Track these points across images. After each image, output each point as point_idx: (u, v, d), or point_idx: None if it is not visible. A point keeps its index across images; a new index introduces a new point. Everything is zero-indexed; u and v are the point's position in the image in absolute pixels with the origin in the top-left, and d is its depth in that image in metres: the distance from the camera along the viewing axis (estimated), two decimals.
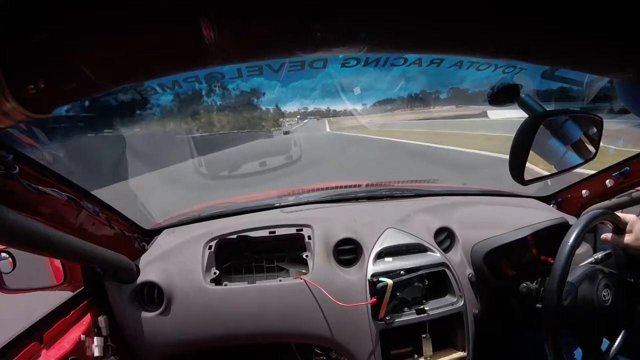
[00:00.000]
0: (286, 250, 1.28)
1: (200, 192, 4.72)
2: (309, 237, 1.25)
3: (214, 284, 1.17)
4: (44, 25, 0.27)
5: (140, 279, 1.15)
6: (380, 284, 1.12)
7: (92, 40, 0.29)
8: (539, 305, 1.14)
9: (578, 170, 0.80)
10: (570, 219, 1.41)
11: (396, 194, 1.61)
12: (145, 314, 1.14)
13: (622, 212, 1.16)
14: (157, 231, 1.36)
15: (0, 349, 0.82)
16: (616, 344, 1.08)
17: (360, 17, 0.29)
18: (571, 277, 1.05)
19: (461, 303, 1.19)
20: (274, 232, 1.26)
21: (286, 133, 13.46)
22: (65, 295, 1.08)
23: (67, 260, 1.06)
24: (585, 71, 0.39)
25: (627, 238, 1.07)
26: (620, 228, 1.08)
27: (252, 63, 1.27)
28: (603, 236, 1.13)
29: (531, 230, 1.31)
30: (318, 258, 1.21)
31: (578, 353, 1.18)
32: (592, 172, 1.45)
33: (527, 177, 0.67)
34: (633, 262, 1.11)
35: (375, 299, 1.12)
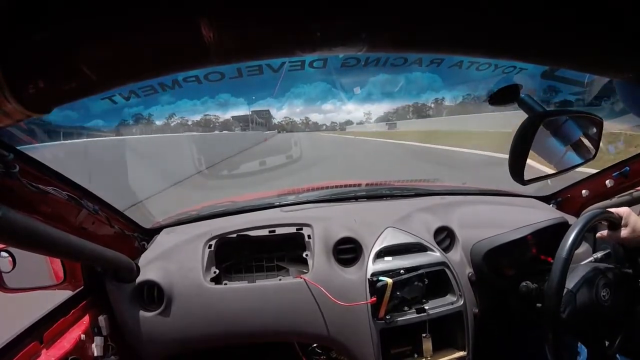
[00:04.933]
0: (286, 250, 1.28)
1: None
2: (309, 237, 1.25)
3: (214, 283, 1.17)
4: (44, 25, 0.27)
5: (140, 278, 1.15)
6: (380, 283, 1.12)
7: (92, 40, 0.29)
8: (538, 305, 1.15)
9: (578, 170, 0.80)
10: (570, 219, 1.41)
11: (396, 193, 1.61)
12: (145, 313, 1.14)
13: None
14: (157, 230, 1.36)
15: (0, 348, 0.82)
16: (616, 343, 1.08)
17: (360, 17, 0.29)
18: (570, 283, 1.04)
19: (461, 302, 1.19)
20: (274, 231, 1.27)
21: None
22: (65, 294, 1.07)
23: (67, 259, 1.06)
24: (585, 71, 0.39)
25: (623, 232, 1.07)
26: (615, 223, 1.08)
27: (252, 63, 1.28)
28: (598, 234, 1.13)
29: (531, 230, 1.31)
30: (318, 257, 1.21)
31: (578, 352, 1.18)
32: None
33: (527, 176, 0.67)
34: (632, 256, 1.11)
35: (375, 298, 1.12)
